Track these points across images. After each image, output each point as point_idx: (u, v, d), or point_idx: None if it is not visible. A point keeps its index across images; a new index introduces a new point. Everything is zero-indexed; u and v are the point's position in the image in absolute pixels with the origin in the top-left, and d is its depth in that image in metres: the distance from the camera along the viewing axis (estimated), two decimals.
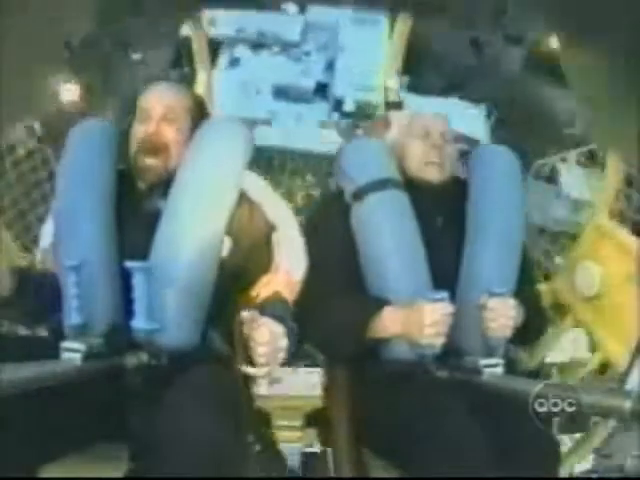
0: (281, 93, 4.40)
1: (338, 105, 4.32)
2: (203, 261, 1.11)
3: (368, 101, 4.19)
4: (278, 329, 1.01)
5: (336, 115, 4.32)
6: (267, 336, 0.99)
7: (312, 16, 4.68)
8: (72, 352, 1.02)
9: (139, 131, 1.23)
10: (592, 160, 3.12)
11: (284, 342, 1.02)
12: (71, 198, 1.18)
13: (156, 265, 1.08)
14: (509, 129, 3.80)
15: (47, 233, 1.27)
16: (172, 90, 1.29)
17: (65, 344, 1.04)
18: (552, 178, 3.34)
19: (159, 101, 1.24)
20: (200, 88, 2.30)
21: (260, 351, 0.98)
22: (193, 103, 1.29)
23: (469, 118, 3.92)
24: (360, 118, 4.11)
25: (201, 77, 2.36)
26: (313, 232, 1.36)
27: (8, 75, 1.22)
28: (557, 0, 1.43)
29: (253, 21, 4.57)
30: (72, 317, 1.09)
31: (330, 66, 4.58)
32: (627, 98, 1.19)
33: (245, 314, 1.00)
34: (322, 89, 4.47)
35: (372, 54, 4.32)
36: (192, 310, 1.10)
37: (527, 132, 3.48)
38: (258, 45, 4.70)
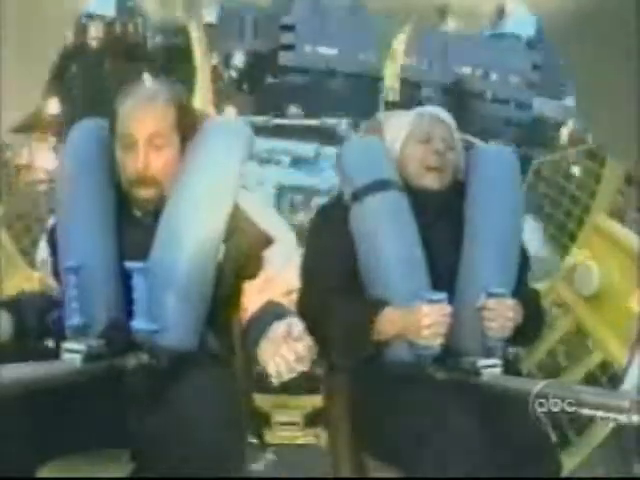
0: None
1: None
2: (202, 263, 1.11)
3: None
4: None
5: None
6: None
7: None
8: (72, 353, 1.02)
9: (126, 162, 1.14)
10: (591, 159, 3.11)
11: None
12: (70, 199, 1.18)
13: (155, 266, 1.08)
14: None
15: (44, 246, 1.26)
16: (154, 107, 1.15)
17: (65, 345, 1.04)
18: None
19: (142, 126, 1.13)
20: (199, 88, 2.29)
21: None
22: (179, 113, 1.17)
23: None
24: None
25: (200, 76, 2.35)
26: (312, 235, 1.36)
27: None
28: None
29: None
30: (72, 318, 1.09)
31: None
32: (627, 96, 1.18)
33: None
34: None
35: None
36: (191, 311, 1.10)
37: None
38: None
